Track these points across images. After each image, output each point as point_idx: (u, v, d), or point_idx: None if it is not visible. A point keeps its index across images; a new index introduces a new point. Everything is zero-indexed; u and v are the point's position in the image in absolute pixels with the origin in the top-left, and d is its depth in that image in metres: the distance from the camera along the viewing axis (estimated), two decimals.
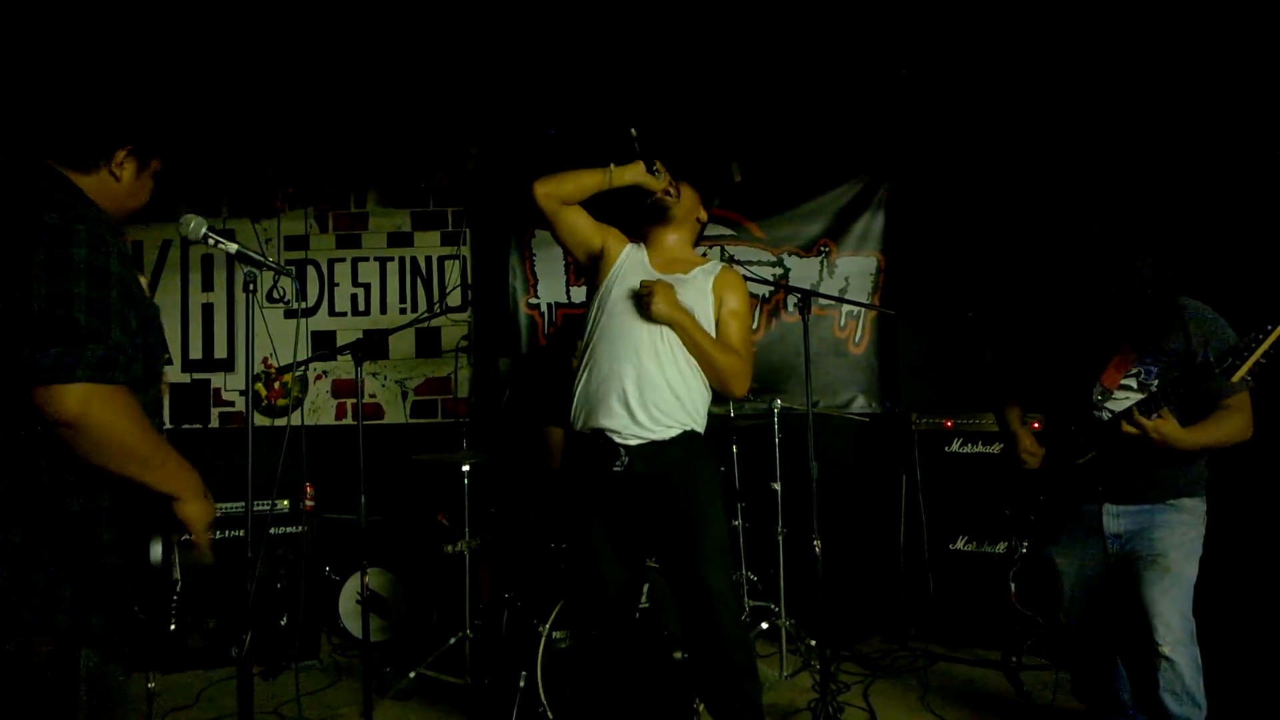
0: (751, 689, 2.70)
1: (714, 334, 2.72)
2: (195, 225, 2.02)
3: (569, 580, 3.03)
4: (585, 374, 2.69)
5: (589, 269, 2.86)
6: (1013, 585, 3.89)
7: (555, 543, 3.43)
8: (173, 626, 1.83)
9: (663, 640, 3.02)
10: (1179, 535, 2.61)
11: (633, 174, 2.75)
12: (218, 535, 3.99)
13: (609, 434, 2.61)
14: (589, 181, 2.74)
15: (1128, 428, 2.50)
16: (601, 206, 2.82)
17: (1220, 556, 2.72)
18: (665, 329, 2.63)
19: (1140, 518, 2.67)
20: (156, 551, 1.77)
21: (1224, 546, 2.74)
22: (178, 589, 1.85)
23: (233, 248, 2.05)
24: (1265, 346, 2.28)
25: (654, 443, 2.61)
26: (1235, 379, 2.33)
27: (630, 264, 2.77)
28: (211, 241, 2.04)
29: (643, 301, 2.62)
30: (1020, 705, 3.45)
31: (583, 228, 2.81)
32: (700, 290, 2.74)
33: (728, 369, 2.68)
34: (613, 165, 2.74)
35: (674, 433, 2.63)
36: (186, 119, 4.14)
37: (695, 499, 2.63)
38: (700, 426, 2.72)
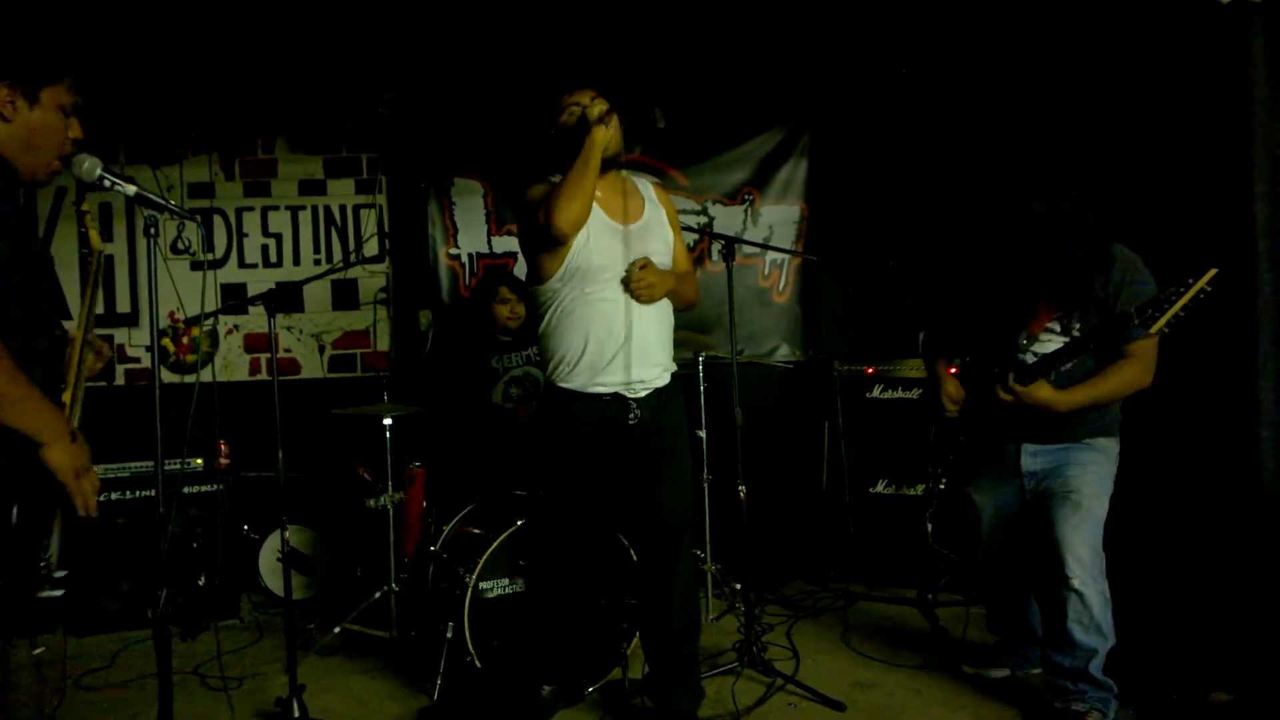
0: (693, 648, 2.85)
1: (671, 263, 2.81)
2: (89, 165, 1.90)
3: (540, 525, 3.02)
4: (584, 339, 2.65)
5: None
6: (929, 525, 4.00)
7: (507, 491, 3.41)
8: (51, 593, 1.74)
9: (604, 586, 3.06)
10: (1091, 473, 2.71)
11: (603, 137, 2.58)
12: (128, 496, 3.90)
13: (621, 391, 2.67)
14: (591, 178, 2.56)
15: (1003, 395, 2.62)
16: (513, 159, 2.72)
17: (1132, 494, 2.83)
18: None
19: (1056, 456, 2.77)
20: (13, 515, 1.69)
21: (1136, 484, 2.85)
22: (48, 554, 1.76)
23: (131, 190, 1.93)
24: (1185, 300, 2.34)
25: (656, 390, 2.73)
26: (1154, 330, 2.39)
27: (594, 226, 2.64)
28: (108, 184, 1.92)
29: (640, 297, 2.65)
30: (935, 639, 3.58)
31: None
32: (660, 224, 2.81)
33: (692, 292, 2.91)
34: (589, 140, 2.56)
35: (667, 378, 2.77)
36: (77, 49, 3.87)
37: (676, 441, 2.80)
38: (675, 364, 2.85)
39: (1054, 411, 2.62)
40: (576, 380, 2.68)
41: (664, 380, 2.76)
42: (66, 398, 1.92)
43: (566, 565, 2.81)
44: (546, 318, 2.73)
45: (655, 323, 2.72)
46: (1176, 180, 3.31)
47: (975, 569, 3.17)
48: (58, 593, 1.77)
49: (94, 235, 2.08)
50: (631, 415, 2.68)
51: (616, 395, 2.67)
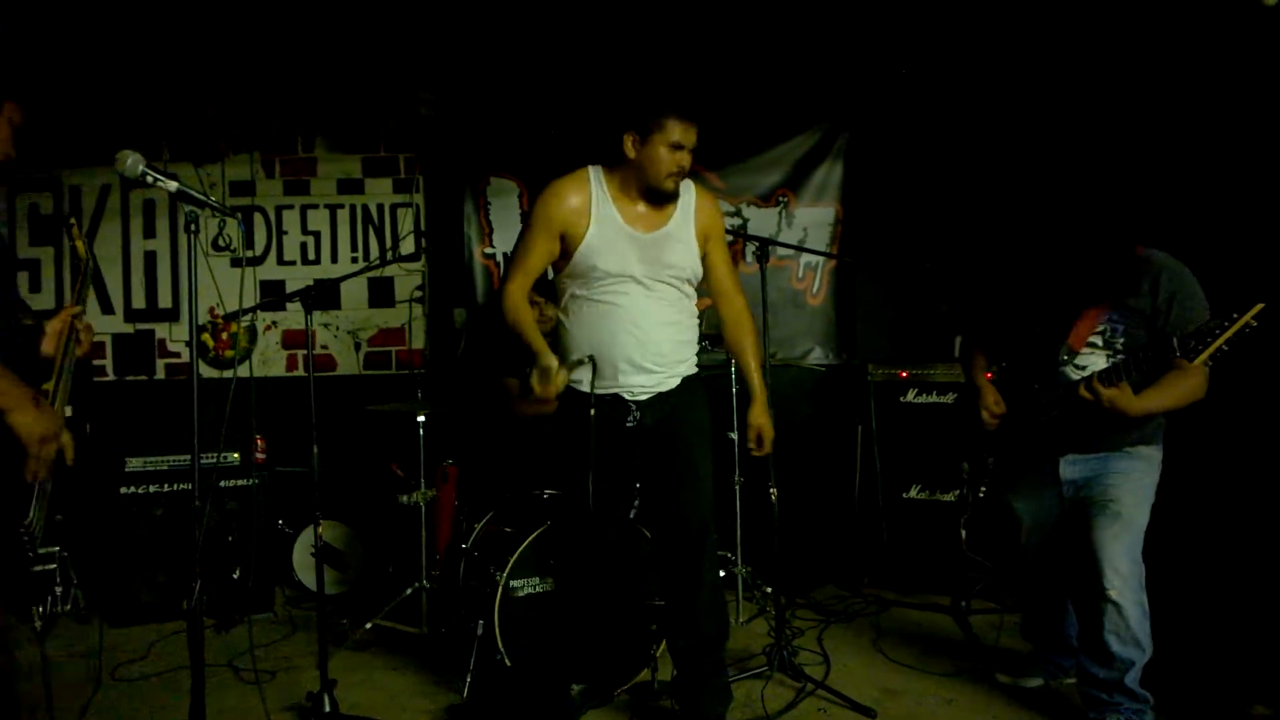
0: (720, 653, 2.81)
1: (699, 275, 2.73)
2: (133, 162, 1.94)
3: (558, 524, 3.04)
4: (586, 339, 2.64)
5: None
6: (963, 532, 3.96)
7: (538, 490, 3.41)
8: (44, 567, 1.83)
9: (633, 587, 3.05)
10: (1133, 481, 2.66)
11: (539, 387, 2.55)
12: (166, 488, 3.96)
13: (620, 393, 2.64)
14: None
15: (1084, 393, 2.55)
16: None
17: (1173, 503, 2.76)
18: (662, 292, 2.64)
19: (1095, 464, 2.72)
20: None
21: (1176, 493, 2.79)
22: (30, 527, 1.83)
23: (173, 185, 1.97)
24: (1228, 335, 2.31)
25: (660, 394, 2.67)
26: (1195, 362, 2.37)
27: (606, 231, 2.60)
28: (150, 179, 1.95)
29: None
30: (968, 647, 3.53)
31: (555, 252, 2.67)
32: (685, 242, 2.69)
33: (741, 312, 2.82)
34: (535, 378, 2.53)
35: (676, 381, 2.69)
36: (79, 61, 3.93)
37: (691, 444, 2.71)
38: (695, 367, 2.77)
39: (1123, 415, 2.54)
40: (579, 379, 2.66)
41: (671, 384, 2.68)
42: (49, 386, 1.99)
43: (583, 562, 2.79)
44: (558, 313, 2.75)
45: (666, 330, 2.66)
46: (1226, 192, 3.24)
47: (1013, 576, 3.12)
48: (51, 566, 1.85)
49: (80, 245, 2.21)
50: (629, 418, 2.64)
51: (616, 397, 2.64)
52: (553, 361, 2.49)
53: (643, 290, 2.62)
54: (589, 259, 2.59)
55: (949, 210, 4.61)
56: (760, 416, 2.75)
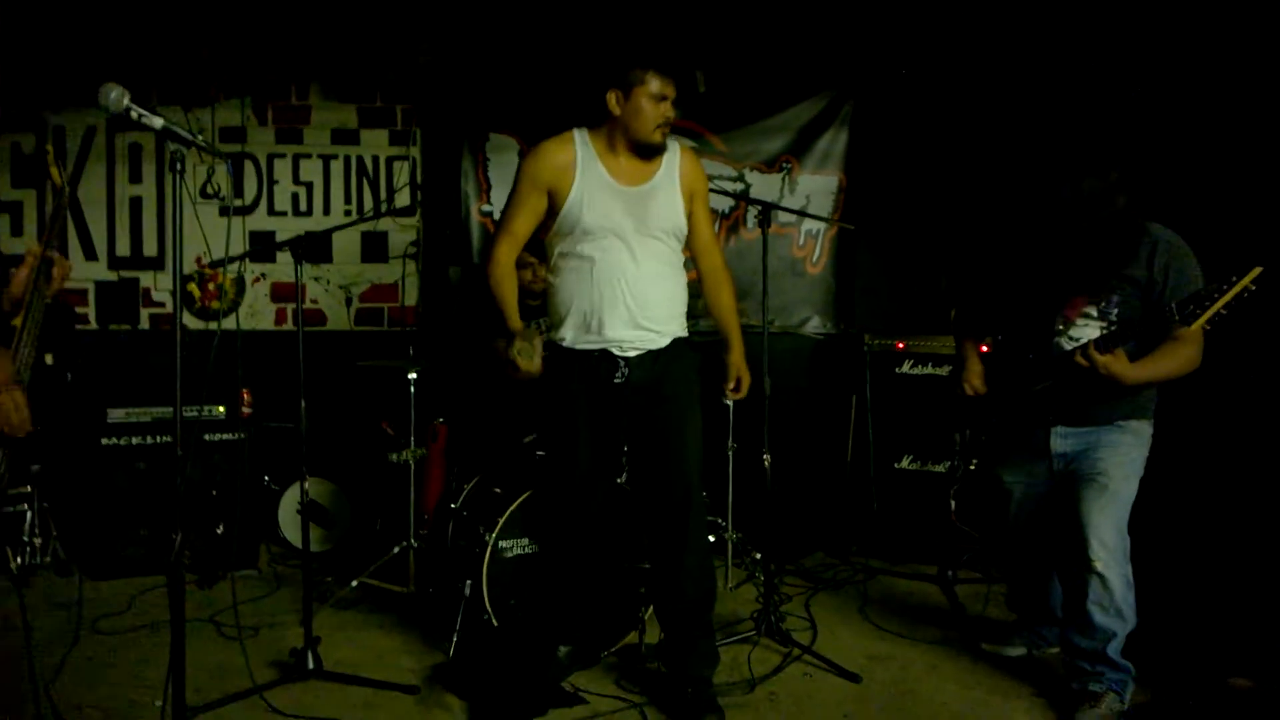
0: (707, 617, 2.79)
1: (684, 231, 2.73)
2: (116, 95, 1.85)
3: (544, 484, 3.03)
4: (574, 296, 2.65)
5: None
6: (953, 503, 3.97)
7: (529, 451, 3.39)
8: (9, 508, 1.81)
9: (621, 551, 3.03)
10: (1121, 455, 2.67)
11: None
12: (149, 440, 3.90)
13: (609, 348, 2.64)
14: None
15: (1080, 360, 2.55)
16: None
17: (1160, 477, 2.77)
18: (650, 247, 2.65)
19: (1086, 438, 2.72)
20: None
21: (1164, 468, 2.79)
22: None
23: (158, 122, 1.89)
24: (1227, 298, 2.29)
25: (650, 352, 2.67)
26: (1194, 328, 2.36)
27: (591, 185, 2.62)
28: (135, 115, 1.87)
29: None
30: (954, 615, 3.55)
31: (542, 210, 2.70)
32: (669, 199, 2.70)
33: (719, 270, 2.88)
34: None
35: (666, 341, 2.70)
36: None
37: (679, 406, 2.71)
38: (685, 330, 2.78)
39: (1118, 383, 2.54)
40: (567, 337, 2.67)
41: (662, 343, 2.69)
42: (17, 322, 1.96)
43: (567, 522, 2.78)
44: (547, 273, 2.75)
45: (655, 284, 2.66)
46: (1227, 166, 3.21)
47: (1000, 548, 3.15)
48: (21, 507, 1.82)
49: (55, 173, 2.15)
50: (618, 374, 2.64)
51: (604, 352, 2.65)
52: (520, 328, 2.60)
53: (629, 245, 2.62)
54: (575, 214, 2.61)
55: (952, 182, 4.55)
56: (740, 359, 2.84)
